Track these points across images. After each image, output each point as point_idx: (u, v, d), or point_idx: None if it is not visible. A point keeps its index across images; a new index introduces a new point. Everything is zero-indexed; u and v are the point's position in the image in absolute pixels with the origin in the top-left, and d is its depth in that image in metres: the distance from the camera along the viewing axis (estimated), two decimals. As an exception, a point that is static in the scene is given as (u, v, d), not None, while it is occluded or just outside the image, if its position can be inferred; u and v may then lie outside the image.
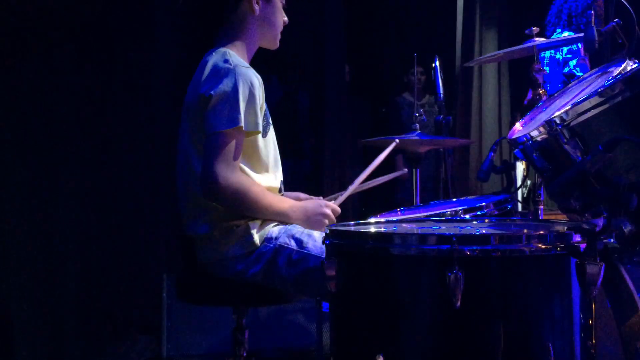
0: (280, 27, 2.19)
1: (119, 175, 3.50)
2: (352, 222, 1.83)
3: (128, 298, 3.50)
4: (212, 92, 1.95)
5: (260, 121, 2.02)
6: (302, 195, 2.32)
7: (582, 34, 1.93)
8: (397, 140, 2.62)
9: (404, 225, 1.95)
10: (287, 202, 2.09)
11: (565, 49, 3.86)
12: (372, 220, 2.06)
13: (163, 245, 3.58)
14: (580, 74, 3.53)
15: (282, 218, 2.07)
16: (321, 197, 2.31)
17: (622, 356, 1.70)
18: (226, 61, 2.01)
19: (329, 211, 2.09)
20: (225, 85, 1.96)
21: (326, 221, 2.07)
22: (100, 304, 3.34)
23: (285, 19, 2.21)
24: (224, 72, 1.98)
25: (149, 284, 3.37)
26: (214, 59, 2.05)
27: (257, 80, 2.02)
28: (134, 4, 3.55)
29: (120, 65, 3.48)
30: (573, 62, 3.82)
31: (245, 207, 2.00)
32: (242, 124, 1.95)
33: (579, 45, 3.67)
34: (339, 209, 2.13)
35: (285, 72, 5.31)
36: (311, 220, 2.08)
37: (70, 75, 3.21)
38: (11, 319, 2.93)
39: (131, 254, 3.53)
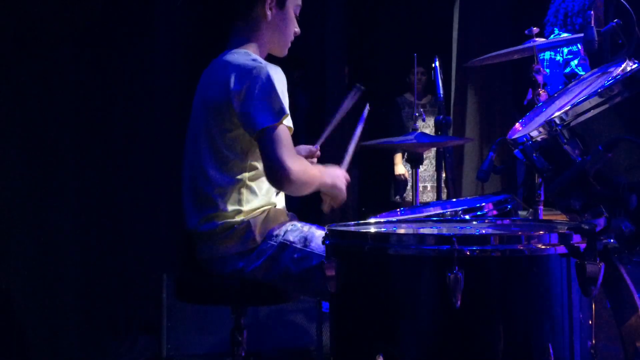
0: (290, 37, 2.21)
1: (118, 175, 3.50)
2: (352, 223, 1.83)
3: (128, 298, 3.50)
4: (248, 90, 1.97)
5: (289, 117, 2.05)
6: None
7: (581, 35, 1.92)
8: (362, 88, 2.65)
9: (403, 225, 1.95)
10: (325, 171, 2.18)
11: (565, 50, 3.85)
12: (372, 220, 2.06)
13: (163, 245, 3.58)
14: (583, 73, 3.53)
15: (323, 186, 2.14)
16: None
17: (622, 356, 1.69)
18: (254, 60, 2.03)
19: (344, 173, 2.21)
20: (263, 82, 1.97)
21: (344, 180, 2.19)
22: (100, 304, 3.34)
23: (297, 30, 2.22)
24: (257, 70, 1.99)
25: (149, 284, 3.37)
26: (237, 58, 2.06)
27: (284, 79, 2.05)
28: (133, 4, 3.56)
29: (120, 65, 3.48)
30: (574, 62, 3.82)
31: (306, 189, 2.07)
32: (287, 112, 1.99)
33: (579, 45, 3.67)
34: (347, 175, 2.25)
35: (285, 72, 5.30)
36: (338, 181, 2.16)
37: (70, 75, 3.21)
38: (11, 319, 2.93)
39: (131, 253, 3.53)
